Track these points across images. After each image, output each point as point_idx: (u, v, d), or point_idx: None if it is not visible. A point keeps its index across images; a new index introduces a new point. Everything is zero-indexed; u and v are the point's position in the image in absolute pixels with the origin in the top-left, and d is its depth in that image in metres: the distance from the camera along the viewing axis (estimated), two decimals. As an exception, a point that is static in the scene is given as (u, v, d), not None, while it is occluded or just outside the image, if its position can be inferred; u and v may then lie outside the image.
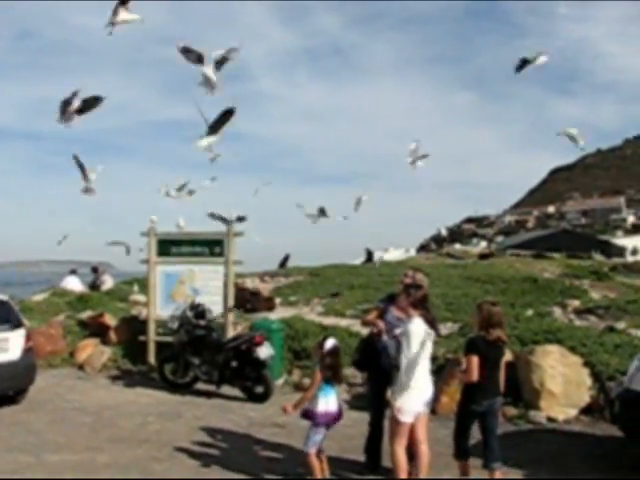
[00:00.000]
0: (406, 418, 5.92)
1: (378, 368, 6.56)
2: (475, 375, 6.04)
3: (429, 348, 6.02)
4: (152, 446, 7.67)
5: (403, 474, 5.95)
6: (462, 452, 6.32)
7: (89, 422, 8.80)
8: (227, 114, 9.93)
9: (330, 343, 6.42)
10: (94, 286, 20.27)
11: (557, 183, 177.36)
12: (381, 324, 6.54)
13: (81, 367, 12.48)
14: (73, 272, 20.70)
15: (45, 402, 9.82)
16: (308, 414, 6.32)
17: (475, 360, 6.04)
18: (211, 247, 12.24)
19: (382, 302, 6.99)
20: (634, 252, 56.77)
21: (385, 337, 6.46)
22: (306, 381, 10.91)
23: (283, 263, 33.09)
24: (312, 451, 6.27)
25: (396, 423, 6.00)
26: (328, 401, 6.28)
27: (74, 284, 19.77)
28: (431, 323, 6.05)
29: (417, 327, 5.94)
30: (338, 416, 6.39)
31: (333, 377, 6.37)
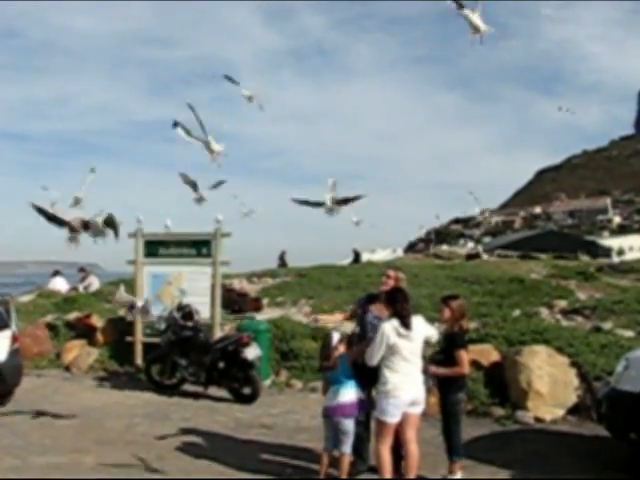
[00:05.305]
0: (388, 418, 5.90)
1: (361, 367, 6.52)
2: (468, 368, 6.44)
3: (408, 348, 5.92)
4: (139, 448, 7.63)
5: (387, 474, 5.94)
6: (458, 448, 6.40)
7: (75, 424, 8.74)
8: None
9: (336, 336, 6.58)
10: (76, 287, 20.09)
11: (543, 184, 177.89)
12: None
13: (68, 368, 12.44)
14: (57, 273, 20.57)
15: (31, 404, 9.75)
16: (347, 409, 6.27)
17: (465, 354, 6.37)
18: (198, 248, 12.24)
19: (361, 302, 7.07)
20: (620, 252, 57.08)
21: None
22: (294, 382, 10.93)
23: (283, 261, 31.38)
24: None
25: (379, 423, 6.00)
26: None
27: (61, 285, 19.67)
28: (404, 319, 5.97)
29: (386, 327, 5.94)
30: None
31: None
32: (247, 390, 10.08)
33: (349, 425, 6.24)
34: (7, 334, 9.65)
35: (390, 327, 5.91)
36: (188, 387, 10.65)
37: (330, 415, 6.32)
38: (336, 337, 6.58)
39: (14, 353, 9.66)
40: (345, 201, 10.96)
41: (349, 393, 6.27)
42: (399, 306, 6.00)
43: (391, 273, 6.84)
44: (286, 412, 9.44)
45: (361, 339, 6.69)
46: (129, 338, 12.25)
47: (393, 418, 5.88)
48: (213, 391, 10.37)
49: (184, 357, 10.54)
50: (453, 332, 6.45)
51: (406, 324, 5.92)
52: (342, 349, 6.46)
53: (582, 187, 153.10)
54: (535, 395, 8.81)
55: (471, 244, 77.93)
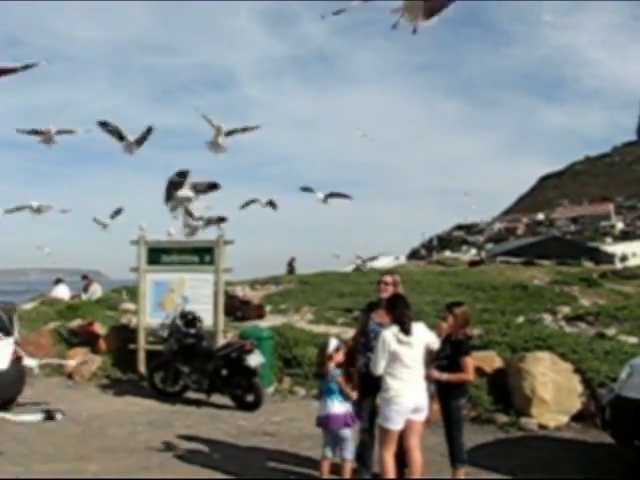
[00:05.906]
0: (391, 425, 5.87)
1: (364, 375, 6.48)
2: (473, 375, 6.41)
3: (409, 355, 5.90)
4: (142, 455, 7.62)
5: None
6: (461, 454, 6.37)
7: (78, 431, 8.73)
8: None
9: (333, 343, 6.52)
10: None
11: (546, 190, 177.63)
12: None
13: (70, 376, 12.41)
14: (59, 281, 20.60)
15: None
16: (349, 419, 6.28)
17: (471, 361, 6.35)
18: (201, 255, 12.24)
19: (362, 311, 7.05)
20: (623, 259, 56.93)
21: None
22: (297, 389, 10.91)
23: (291, 268, 31.64)
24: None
25: (382, 430, 5.99)
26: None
27: (63, 293, 19.69)
28: (404, 325, 5.94)
29: (386, 334, 5.92)
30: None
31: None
32: (250, 397, 10.05)
33: (346, 432, 6.24)
34: (10, 341, 9.65)
35: (390, 334, 5.90)
36: (191, 394, 10.62)
37: (322, 425, 6.31)
38: (332, 345, 6.49)
39: (17, 361, 9.66)
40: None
41: (339, 405, 6.24)
42: (398, 312, 5.99)
43: (388, 279, 6.74)
44: (289, 419, 9.42)
45: (365, 348, 6.64)
46: (132, 345, 12.23)
47: (396, 425, 5.86)
48: (216, 398, 10.35)
49: (187, 364, 10.52)
50: (458, 339, 6.41)
51: (406, 330, 5.90)
52: (339, 357, 6.42)
53: (585, 193, 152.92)
54: (539, 402, 8.78)
55: (474, 250, 77.93)
